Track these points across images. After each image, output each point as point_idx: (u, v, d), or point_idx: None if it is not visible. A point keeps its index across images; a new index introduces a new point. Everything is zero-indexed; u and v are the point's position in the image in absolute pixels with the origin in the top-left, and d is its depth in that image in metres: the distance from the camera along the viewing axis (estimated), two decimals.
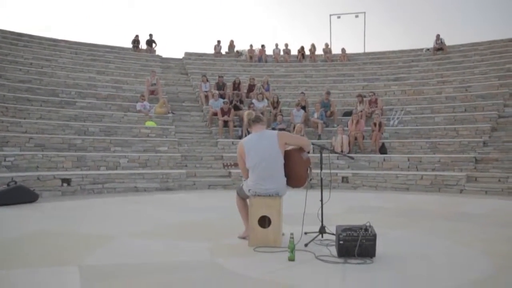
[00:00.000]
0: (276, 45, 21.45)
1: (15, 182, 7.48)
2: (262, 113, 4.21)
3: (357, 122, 11.95)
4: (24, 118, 11.03)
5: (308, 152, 4.63)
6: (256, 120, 4.58)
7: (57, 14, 60.21)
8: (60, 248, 4.37)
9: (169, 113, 13.48)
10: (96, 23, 60.72)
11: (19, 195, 7.26)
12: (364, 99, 13.74)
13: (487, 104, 12.87)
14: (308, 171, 4.46)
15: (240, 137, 12.33)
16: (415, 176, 9.84)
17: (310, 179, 4.48)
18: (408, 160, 10.69)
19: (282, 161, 4.44)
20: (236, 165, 4.95)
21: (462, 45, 19.35)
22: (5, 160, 8.80)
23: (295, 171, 4.47)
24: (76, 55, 17.47)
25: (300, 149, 4.55)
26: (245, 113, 4.73)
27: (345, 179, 10.25)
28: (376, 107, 13.26)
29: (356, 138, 11.78)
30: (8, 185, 7.34)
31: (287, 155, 4.50)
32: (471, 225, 5.71)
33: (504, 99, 13.04)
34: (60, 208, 6.96)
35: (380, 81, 16.94)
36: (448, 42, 19.22)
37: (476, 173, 9.91)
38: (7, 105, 11.19)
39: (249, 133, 4.71)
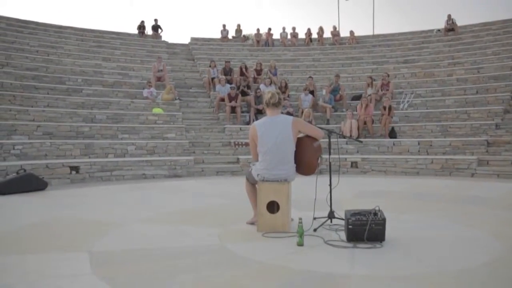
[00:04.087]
0: (283, 28, 21.29)
1: (24, 170, 7.58)
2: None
3: (366, 106, 11.89)
4: (32, 106, 11.12)
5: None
6: (276, 105, 4.50)
7: (62, 0, 60.07)
8: (70, 234, 4.44)
9: (176, 99, 13.50)
10: (100, 9, 60.53)
11: (28, 183, 7.35)
12: (374, 82, 13.65)
13: (499, 86, 12.72)
14: (319, 160, 4.46)
15: (248, 123, 12.35)
16: (425, 160, 9.81)
17: (319, 168, 4.48)
18: (418, 144, 10.64)
19: (293, 148, 4.43)
20: (246, 144, 4.96)
21: (474, 25, 19.07)
22: (13, 149, 8.90)
23: (306, 159, 4.47)
24: (82, 42, 17.50)
25: (313, 138, 4.54)
26: (268, 93, 4.58)
27: (354, 164, 10.25)
28: (387, 90, 13.17)
29: (365, 123, 11.74)
30: (17, 173, 7.44)
31: (298, 142, 4.49)
32: (482, 208, 5.69)
33: None
34: (69, 196, 7.04)
35: (389, 64, 16.80)
36: (460, 22, 19.00)
37: (487, 156, 9.84)
38: (15, 93, 11.28)
39: (256, 118, 4.71)
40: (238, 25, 22.52)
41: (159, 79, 14.44)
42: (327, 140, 4.79)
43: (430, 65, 15.78)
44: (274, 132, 4.39)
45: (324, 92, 13.18)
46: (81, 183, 8.60)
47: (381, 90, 13.32)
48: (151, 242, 4.15)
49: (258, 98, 12.78)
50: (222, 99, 13.11)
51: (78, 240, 4.20)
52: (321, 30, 21.01)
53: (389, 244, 3.91)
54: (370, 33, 23.03)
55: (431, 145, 10.53)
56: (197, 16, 64.31)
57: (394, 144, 10.90)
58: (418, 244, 3.98)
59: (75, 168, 8.75)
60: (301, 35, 21.43)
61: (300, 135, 4.54)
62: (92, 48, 17.05)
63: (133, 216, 5.29)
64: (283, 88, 13.84)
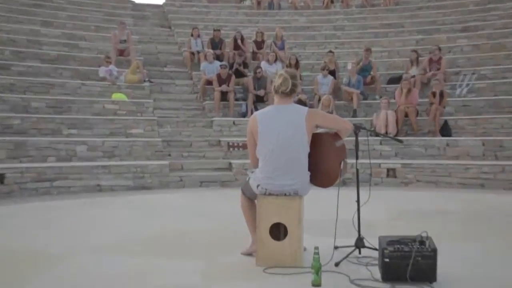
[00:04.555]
0: None
1: None
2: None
3: (409, 91, 11.86)
4: None
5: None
6: (289, 93, 4.45)
7: None
8: None
9: (145, 81, 13.49)
10: None
11: None
12: (419, 58, 13.62)
13: None
14: (342, 166, 4.41)
15: (244, 115, 12.32)
16: (493, 167, 9.79)
17: (342, 177, 4.44)
18: (483, 144, 10.62)
19: (307, 149, 4.42)
20: (245, 146, 4.92)
21: None
22: None
23: (324, 165, 4.46)
24: None
25: (334, 134, 4.53)
26: (279, 76, 4.47)
27: (391, 172, 10.24)
28: (438, 69, 13.14)
29: (406, 115, 11.72)
30: None
31: (314, 140, 4.46)
32: None
33: None
34: None
35: (441, 33, 16.77)
36: None
37: None
38: None
39: (256, 108, 4.68)
40: None
41: (121, 53, 14.43)
42: (354, 138, 4.76)
43: (500, 34, 15.70)
44: (281, 127, 4.36)
45: (350, 67, 13.14)
46: (7, 198, 8.54)
47: (430, 70, 13.30)
48: (109, 281, 4.11)
49: (259, 81, 12.75)
50: (210, 82, 13.08)
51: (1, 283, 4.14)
52: None
53: (442, 285, 3.87)
54: None
55: (501, 147, 10.50)
56: None
57: (448, 144, 10.88)
58: (482, 285, 3.95)
59: None
60: None
61: (320, 130, 4.49)
62: (25, 8, 17.01)
63: (82, 245, 5.25)
64: (293, 67, 13.82)
